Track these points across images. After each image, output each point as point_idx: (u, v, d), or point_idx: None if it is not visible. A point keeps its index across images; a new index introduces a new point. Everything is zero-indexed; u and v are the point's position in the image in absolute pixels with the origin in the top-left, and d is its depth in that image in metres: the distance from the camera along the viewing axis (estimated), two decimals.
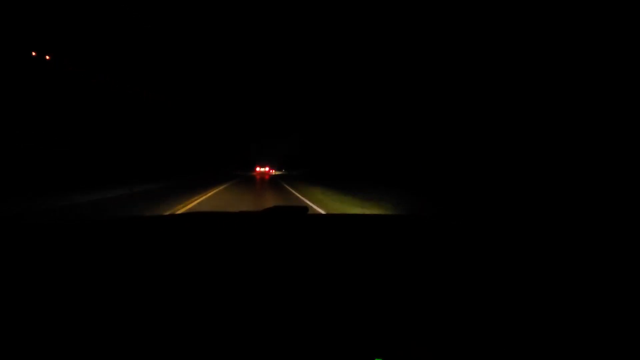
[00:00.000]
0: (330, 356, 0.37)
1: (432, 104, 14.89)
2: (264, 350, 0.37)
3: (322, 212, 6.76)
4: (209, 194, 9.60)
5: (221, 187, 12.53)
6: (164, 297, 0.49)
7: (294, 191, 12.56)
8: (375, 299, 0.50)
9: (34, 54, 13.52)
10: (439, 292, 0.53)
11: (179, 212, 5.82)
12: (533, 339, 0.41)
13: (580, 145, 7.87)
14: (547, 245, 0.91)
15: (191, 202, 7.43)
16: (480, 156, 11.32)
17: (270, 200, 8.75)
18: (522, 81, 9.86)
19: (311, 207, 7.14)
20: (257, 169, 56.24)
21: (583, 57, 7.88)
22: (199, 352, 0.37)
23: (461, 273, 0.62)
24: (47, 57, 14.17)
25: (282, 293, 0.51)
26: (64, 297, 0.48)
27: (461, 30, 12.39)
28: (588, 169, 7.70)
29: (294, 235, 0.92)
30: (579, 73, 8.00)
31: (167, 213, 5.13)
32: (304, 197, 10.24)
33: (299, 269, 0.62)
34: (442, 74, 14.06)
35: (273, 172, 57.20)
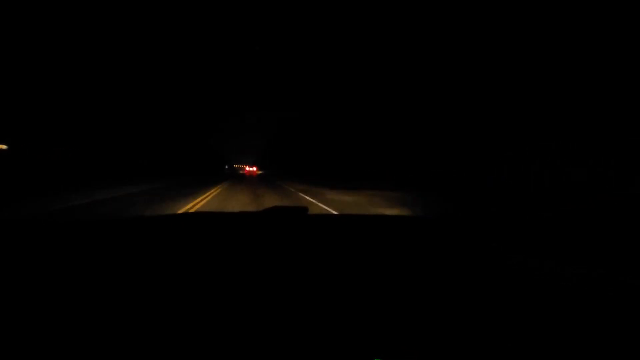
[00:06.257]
0: (330, 356, 0.37)
1: (419, 106, 14.97)
2: (263, 351, 0.38)
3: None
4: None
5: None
6: (164, 298, 0.49)
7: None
8: (374, 300, 0.50)
9: None
10: (438, 293, 0.53)
11: None
12: (534, 340, 0.40)
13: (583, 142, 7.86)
14: (547, 245, 0.91)
15: None
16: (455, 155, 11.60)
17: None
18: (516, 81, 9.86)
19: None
20: (247, 168, 76.28)
21: (585, 62, 7.88)
22: (198, 352, 0.37)
23: (460, 274, 0.62)
24: None
25: (282, 293, 0.51)
26: (64, 297, 0.48)
27: (464, 29, 12.32)
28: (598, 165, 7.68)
29: (294, 235, 0.92)
30: (580, 76, 8.00)
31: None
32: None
33: (299, 269, 0.62)
34: (415, 72, 14.07)
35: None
